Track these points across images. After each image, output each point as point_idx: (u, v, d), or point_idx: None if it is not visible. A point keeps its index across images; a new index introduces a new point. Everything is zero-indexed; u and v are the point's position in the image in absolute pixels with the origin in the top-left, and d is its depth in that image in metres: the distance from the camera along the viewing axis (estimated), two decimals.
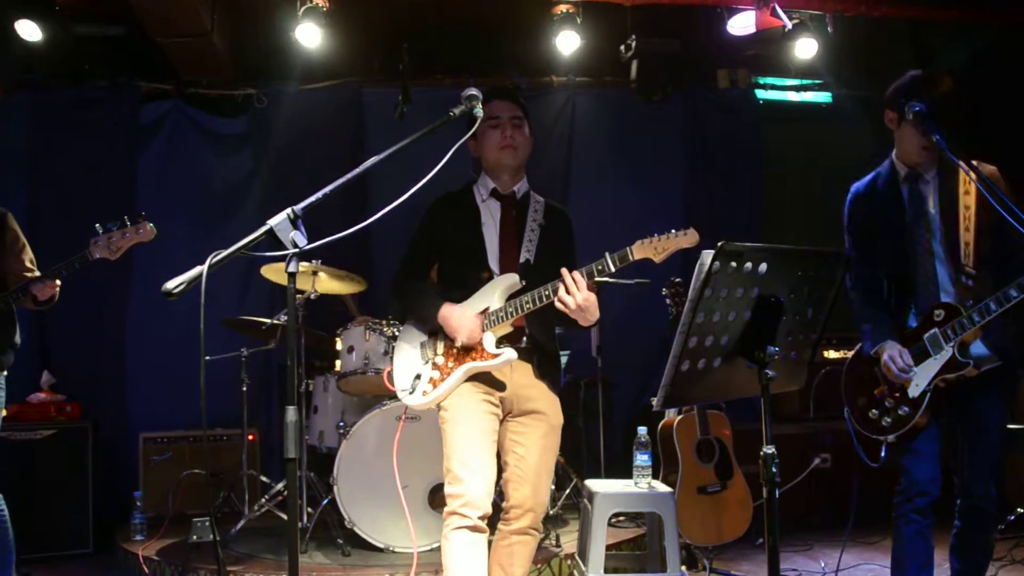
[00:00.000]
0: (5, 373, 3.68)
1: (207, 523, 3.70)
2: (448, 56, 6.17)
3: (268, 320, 4.69)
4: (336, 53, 5.64)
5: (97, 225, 3.53)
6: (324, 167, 5.75)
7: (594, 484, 3.87)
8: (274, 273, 4.53)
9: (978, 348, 3.00)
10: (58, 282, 3.57)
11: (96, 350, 5.69)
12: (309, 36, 5.24)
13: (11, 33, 5.20)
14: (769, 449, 2.21)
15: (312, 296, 4.40)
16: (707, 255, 2.04)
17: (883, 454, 3.12)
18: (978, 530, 3.11)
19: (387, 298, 4.92)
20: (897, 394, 3.07)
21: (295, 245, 2.06)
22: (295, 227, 2.06)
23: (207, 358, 4.92)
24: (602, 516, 3.69)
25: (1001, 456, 3.10)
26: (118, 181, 5.88)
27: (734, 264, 2.09)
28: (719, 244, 2.03)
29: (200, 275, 1.98)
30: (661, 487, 3.80)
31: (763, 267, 2.16)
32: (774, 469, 2.20)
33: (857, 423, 3.20)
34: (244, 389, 4.92)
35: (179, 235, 5.27)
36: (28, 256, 3.78)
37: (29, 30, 5.22)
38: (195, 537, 4.21)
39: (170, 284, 1.99)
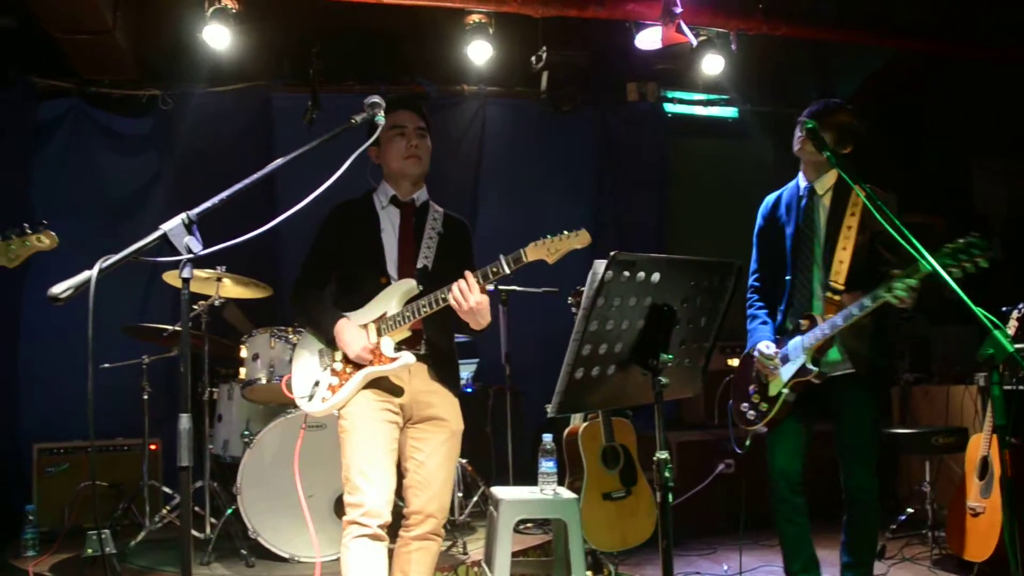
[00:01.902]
0: None
1: (103, 535, 3.58)
2: (359, 63, 6.13)
3: (170, 327, 4.58)
4: (245, 56, 5.54)
5: None
6: (231, 171, 5.48)
7: (500, 491, 3.89)
8: (176, 279, 4.42)
9: (834, 355, 3.28)
10: None
11: None
12: (217, 38, 5.13)
13: None
14: (663, 454, 2.27)
15: (217, 303, 4.33)
16: (600, 264, 2.08)
17: (747, 443, 3.50)
18: (861, 520, 3.37)
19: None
20: (762, 391, 3.39)
21: (189, 251, 2.02)
22: (190, 232, 2.03)
23: (106, 366, 4.80)
24: (507, 523, 3.70)
25: (874, 450, 3.37)
26: (10, 181, 5.64)
27: (627, 273, 2.14)
28: (611, 253, 2.08)
29: (89, 280, 1.93)
30: (566, 493, 3.84)
31: (656, 276, 2.21)
32: (667, 474, 2.26)
33: (734, 415, 3.52)
34: (145, 397, 4.79)
35: (77, 238, 5.00)
36: None
37: None
38: (90, 551, 4.07)
39: (56, 289, 1.94)
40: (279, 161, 2.27)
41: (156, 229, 2.09)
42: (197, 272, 4.28)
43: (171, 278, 4.45)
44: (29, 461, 5.20)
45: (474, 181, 6.28)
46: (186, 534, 2.10)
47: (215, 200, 2.11)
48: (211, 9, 4.97)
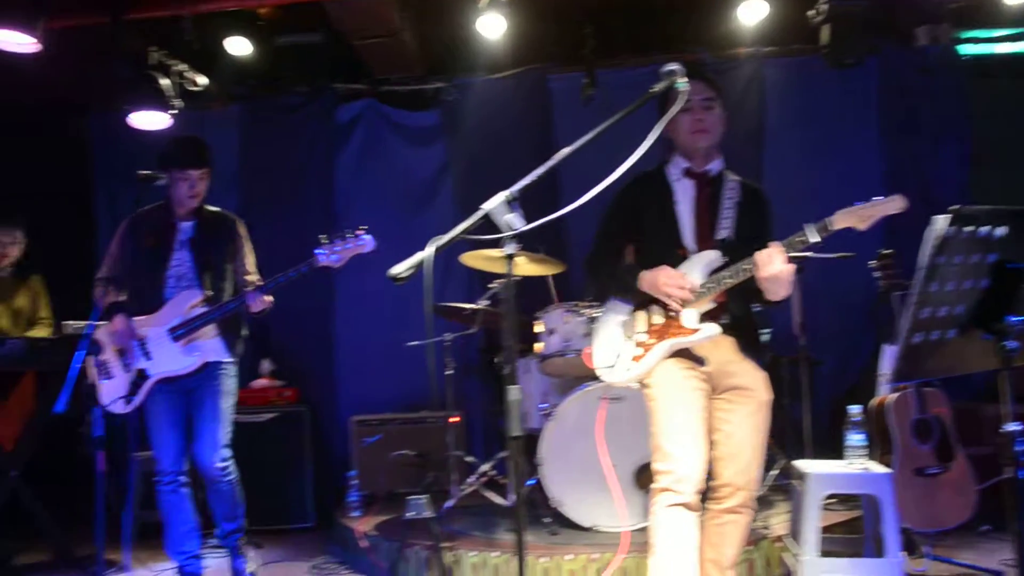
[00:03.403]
0: (236, 360, 4.07)
1: (422, 501, 3.89)
2: (631, 36, 6.09)
3: (471, 305, 4.83)
4: (520, 41, 5.72)
5: (322, 236, 3.82)
6: (514, 154, 5.88)
7: (806, 465, 3.75)
8: (473, 259, 4.64)
9: None
10: (269, 299, 3.89)
11: (308, 338, 6.09)
12: (492, 26, 5.35)
13: (222, 51, 5.64)
14: (1013, 426, 2.08)
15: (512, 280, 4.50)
16: (940, 220, 1.94)
17: None
18: None
19: (584, 279, 4.96)
20: None
21: (511, 227, 2.10)
22: (511, 210, 2.10)
23: (413, 343, 5.17)
24: (816, 497, 3.57)
25: None
26: (319, 179, 6.28)
27: (969, 228, 1.98)
28: (953, 208, 1.93)
29: (424, 260, 2.06)
30: (878, 468, 3.64)
31: (1000, 231, 2.03)
32: (1019, 448, 2.08)
33: None
34: (449, 373, 5.08)
35: (377, 227, 5.48)
36: (251, 260, 4.16)
37: (237, 46, 5.65)
38: (411, 514, 4.41)
39: (396, 269, 2.09)
40: (590, 135, 2.29)
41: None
42: (490, 252, 4.47)
43: (467, 259, 4.67)
44: (348, 431, 5.72)
45: (757, 146, 6.03)
46: (519, 498, 2.20)
47: (532, 177, 2.18)
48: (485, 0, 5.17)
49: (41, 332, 5.09)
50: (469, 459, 5.10)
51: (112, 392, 3.83)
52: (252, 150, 6.36)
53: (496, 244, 2.16)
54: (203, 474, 3.94)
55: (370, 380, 6.05)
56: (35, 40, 4.52)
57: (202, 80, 5.61)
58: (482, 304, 4.80)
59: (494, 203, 2.11)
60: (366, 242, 3.86)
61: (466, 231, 2.12)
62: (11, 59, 4.74)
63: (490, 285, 4.73)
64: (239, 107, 6.41)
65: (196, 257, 3.98)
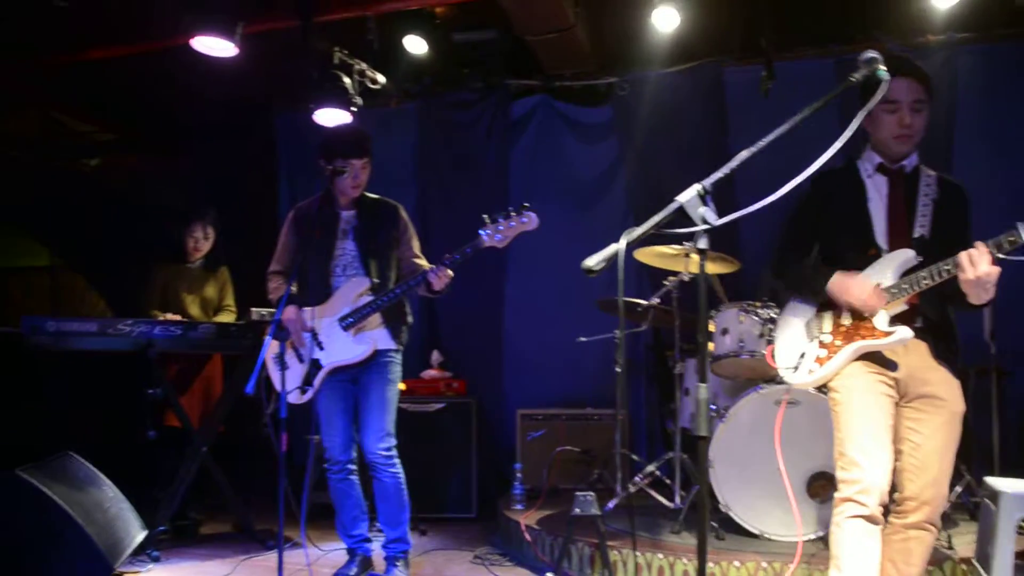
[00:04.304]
0: (402, 348, 4.11)
1: (589, 498, 3.87)
2: (810, 26, 5.83)
3: (644, 302, 4.77)
4: (694, 34, 5.62)
5: (485, 216, 3.75)
6: (688, 149, 5.79)
7: (998, 483, 3.49)
8: (645, 256, 4.57)
9: None
10: (451, 272, 3.82)
11: (477, 331, 6.20)
12: (666, 20, 5.28)
13: (400, 50, 5.83)
14: None
15: (685, 278, 4.42)
16: None
17: None
18: None
19: (761, 278, 4.80)
20: None
21: (704, 221, 2.04)
22: (704, 203, 2.05)
23: (582, 339, 5.14)
24: (1011, 519, 3.31)
25: None
26: (493, 174, 6.37)
27: None
28: None
29: (617, 253, 2.04)
30: None
31: None
32: None
33: None
34: (618, 370, 5.04)
35: (550, 223, 5.48)
36: (416, 244, 4.18)
37: (414, 44, 5.83)
38: (578, 510, 4.40)
39: (590, 261, 2.07)
40: (788, 124, 2.19)
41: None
42: (663, 248, 4.38)
43: (640, 255, 4.59)
44: (513, 425, 5.77)
45: (946, 142, 5.57)
46: (702, 499, 2.15)
47: (725, 169, 2.12)
48: None
49: (226, 320, 5.41)
50: (634, 457, 5.05)
51: (289, 383, 3.85)
52: (428, 146, 6.55)
53: (678, 239, 2.10)
54: (368, 461, 3.96)
55: (536, 374, 6.10)
56: (234, 44, 4.78)
57: (381, 78, 5.80)
58: (654, 301, 4.73)
59: (687, 196, 2.05)
60: (530, 218, 3.73)
61: (659, 224, 2.07)
62: (206, 63, 5.04)
63: (664, 281, 4.64)
64: (415, 104, 6.61)
65: (360, 245, 4.01)
